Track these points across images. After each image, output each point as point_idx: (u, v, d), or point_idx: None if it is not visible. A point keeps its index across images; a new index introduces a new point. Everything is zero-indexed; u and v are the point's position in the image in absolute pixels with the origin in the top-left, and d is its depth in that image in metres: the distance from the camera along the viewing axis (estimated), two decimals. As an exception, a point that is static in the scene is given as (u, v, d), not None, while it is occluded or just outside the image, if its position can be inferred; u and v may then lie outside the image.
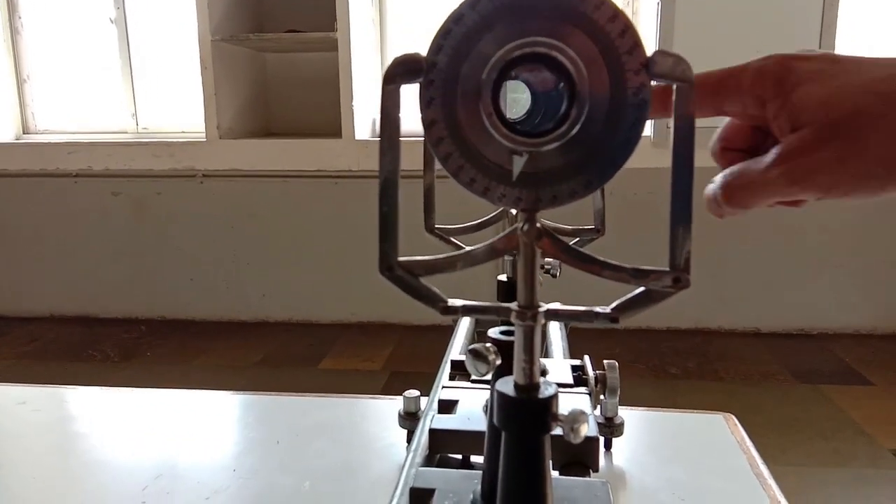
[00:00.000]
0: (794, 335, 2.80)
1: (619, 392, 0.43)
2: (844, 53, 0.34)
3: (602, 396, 0.49)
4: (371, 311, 2.96)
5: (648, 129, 2.60)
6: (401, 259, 0.23)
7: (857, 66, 0.32)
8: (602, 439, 0.58)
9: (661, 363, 2.52)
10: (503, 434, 0.24)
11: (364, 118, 2.83)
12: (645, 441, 0.62)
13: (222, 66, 2.79)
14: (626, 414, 0.58)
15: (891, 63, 0.32)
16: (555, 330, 0.58)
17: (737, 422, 0.67)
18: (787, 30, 2.51)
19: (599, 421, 0.54)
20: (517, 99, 0.23)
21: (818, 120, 0.31)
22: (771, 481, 0.56)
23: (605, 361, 0.42)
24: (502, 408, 0.23)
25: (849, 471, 1.81)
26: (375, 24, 2.97)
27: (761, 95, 0.33)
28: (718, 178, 0.35)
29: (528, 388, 0.23)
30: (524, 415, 0.23)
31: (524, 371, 0.23)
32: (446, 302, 0.23)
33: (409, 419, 0.57)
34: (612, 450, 0.59)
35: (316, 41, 2.74)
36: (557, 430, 0.23)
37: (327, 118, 2.82)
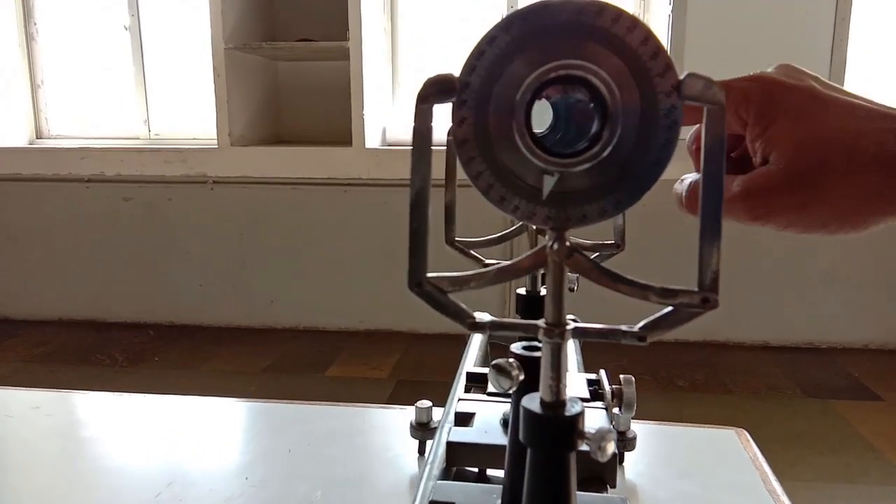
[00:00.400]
0: (804, 349, 2.79)
1: (634, 407, 0.43)
2: (831, 87, 0.34)
3: (616, 411, 0.49)
4: (378, 319, 2.96)
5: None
6: (429, 275, 0.23)
7: (836, 109, 0.32)
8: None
9: (668, 375, 2.51)
10: (528, 451, 0.24)
11: (375, 127, 2.84)
12: (657, 455, 0.62)
13: (235, 73, 2.81)
14: (637, 428, 0.58)
15: (869, 113, 0.32)
16: (569, 343, 0.58)
17: (749, 437, 0.67)
18: (799, 39, 2.51)
19: (613, 435, 0.54)
20: (539, 113, 0.24)
21: (787, 161, 0.32)
22: (784, 497, 0.55)
23: (621, 376, 0.42)
24: (529, 425, 0.23)
25: (857, 486, 1.80)
26: (387, 34, 2.98)
27: (743, 118, 0.34)
28: (689, 179, 0.35)
29: (555, 406, 0.23)
30: (551, 432, 0.23)
31: (551, 388, 0.23)
32: (474, 318, 0.23)
33: (421, 430, 0.57)
34: (625, 464, 0.59)
35: (328, 50, 2.75)
36: (582, 447, 0.23)
37: (338, 126, 2.84)
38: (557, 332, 0.23)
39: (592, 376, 0.47)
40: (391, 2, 2.99)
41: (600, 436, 0.22)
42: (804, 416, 2.20)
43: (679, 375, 2.51)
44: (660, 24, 2.67)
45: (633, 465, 0.59)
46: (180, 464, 0.62)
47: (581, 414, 0.23)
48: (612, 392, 0.42)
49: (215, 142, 2.88)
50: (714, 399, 2.33)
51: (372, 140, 2.80)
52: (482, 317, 0.23)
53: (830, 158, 0.31)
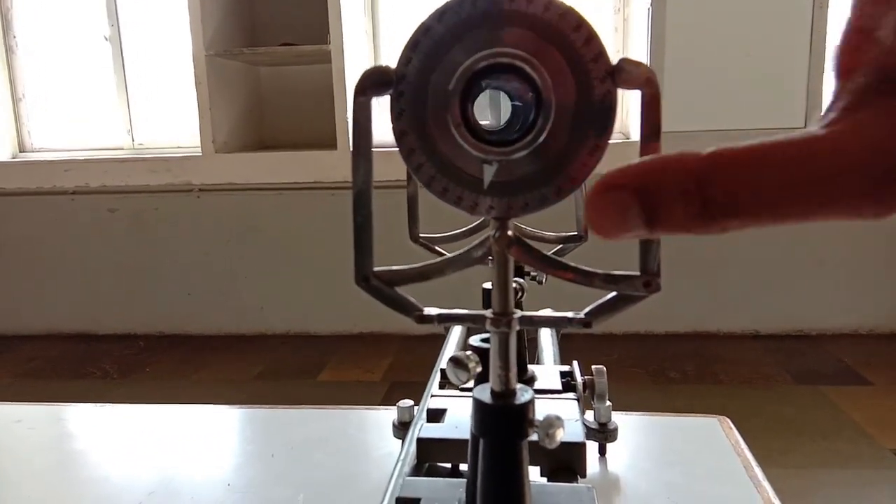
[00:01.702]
0: (793, 337, 2.80)
1: (607, 397, 0.43)
2: None
3: (592, 402, 0.49)
4: (370, 322, 2.96)
5: (636, 131, 2.60)
6: (376, 269, 0.23)
7: None
8: (597, 445, 0.58)
9: (659, 367, 2.52)
10: (481, 441, 0.24)
11: (359, 129, 2.83)
12: (639, 446, 0.62)
13: (217, 80, 2.80)
14: (620, 419, 0.58)
15: None
16: (546, 336, 0.58)
17: (731, 424, 0.67)
18: (778, 28, 2.53)
19: (592, 426, 0.54)
20: (506, 106, 0.24)
21: None
22: (765, 484, 0.56)
23: (592, 367, 0.42)
24: (479, 414, 0.23)
25: (850, 472, 1.81)
26: (368, 36, 2.98)
27: None
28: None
29: (504, 395, 0.23)
30: (500, 421, 0.23)
31: (500, 378, 0.23)
32: (422, 311, 0.23)
33: (404, 429, 0.57)
34: (607, 455, 0.59)
35: (309, 54, 2.75)
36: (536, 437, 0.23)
37: (322, 130, 2.83)
38: (504, 321, 0.23)
39: (567, 368, 0.47)
40: (372, 3, 2.99)
41: (548, 423, 0.22)
42: (795, 403, 2.21)
43: (670, 367, 2.52)
44: (640, 17, 2.68)
45: (615, 457, 0.59)
46: (162, 473, 0.61)
47: (531, 402, 0.23)
48: (584, 383, 0.42)
49: (199, 149, 2.87)
50: (705, 389, 2.34)
51: (357, 143, 2.80)
52: (430, 310, 0.23)
53: None
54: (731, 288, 2.80)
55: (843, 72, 0.18)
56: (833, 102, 0.17)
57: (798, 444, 1.94)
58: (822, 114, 0.17)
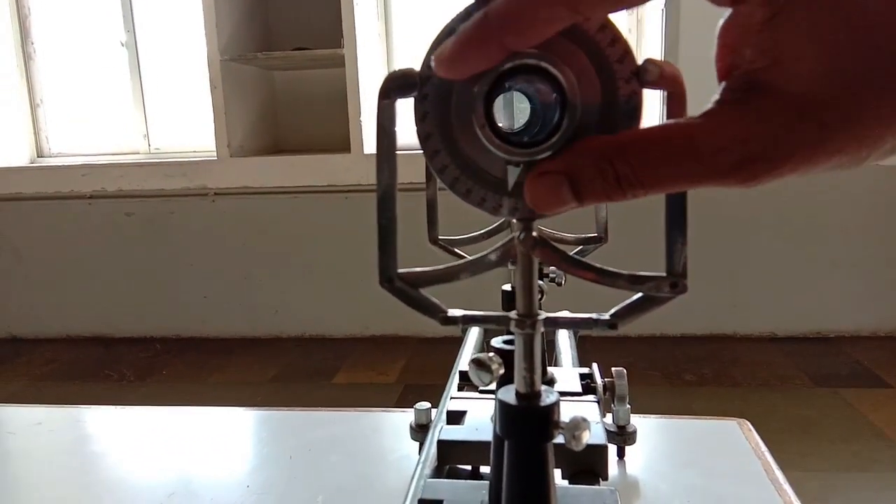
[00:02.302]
0: (811, 339, 2.77)
1: (627, 399, 0.43)
2: None
3: (612, 404, 0.48)
4: (384, 325, 2.96)
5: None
6: (400, 271, 0.23)
7: None
8: (615, 448, 0.57)
9: (676, 370, 2.50)
10: (506, 443, 0.24)
11: (373, 132, 2.84)
12: (658, 449, 0.62)
13: (231, 85, 2.82)
14: (639, 422, 0.57)
15: None
16: (564, 338, 0.57)
17: (751, 427, 0.66)
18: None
19: (611, 429, 0.54)
20: (523, 108, 0.24)
21: (812, 80, 0.20)
22: (786, 486, 0.55)
23: (612, 369, 0.42)
24: (504, 416, 0.23)
25: (870, 475, 1.79)
26: (382, 39, 2.99)
27: None
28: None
29: (529, 397, 0.23)
30: (525, 423, 0.23)
31: (525, 379, 0.23)
32: (446, 312, 0.23)
33: (421, 431, 0.57)
34: (626, 458, 0.58)
35: (323, 58, 2.76)
36: (561, 439, 0.23)
37: (336, 133, 2.84)
38: (529, 322, 0.23)
39: (586, 370, 0.47)
40: (385, 7, 3.00)
41: (574, 425, 0.21)
42: (813, 405, 2.19)
43: (687, 370, 2.50)
44: (654, 18, 2.67)
45: (634, 459, 0.59)
46: (182, 475, 0.62)
47: (556, 404, 0.23)
48: (604, 385, 0.42)
49: (215, 154, 2.89)
50: (723, 392, 2.33)
51: (370, 146, 2.81)
52: (455, 311, 0.23)
53: (874, 68, 0.20)
54: (748, 290, 2.78)
55: (720, 75, 0.23)
56: (714, 97, 0.22)
57: (816, 446, 1.92)
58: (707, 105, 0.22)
